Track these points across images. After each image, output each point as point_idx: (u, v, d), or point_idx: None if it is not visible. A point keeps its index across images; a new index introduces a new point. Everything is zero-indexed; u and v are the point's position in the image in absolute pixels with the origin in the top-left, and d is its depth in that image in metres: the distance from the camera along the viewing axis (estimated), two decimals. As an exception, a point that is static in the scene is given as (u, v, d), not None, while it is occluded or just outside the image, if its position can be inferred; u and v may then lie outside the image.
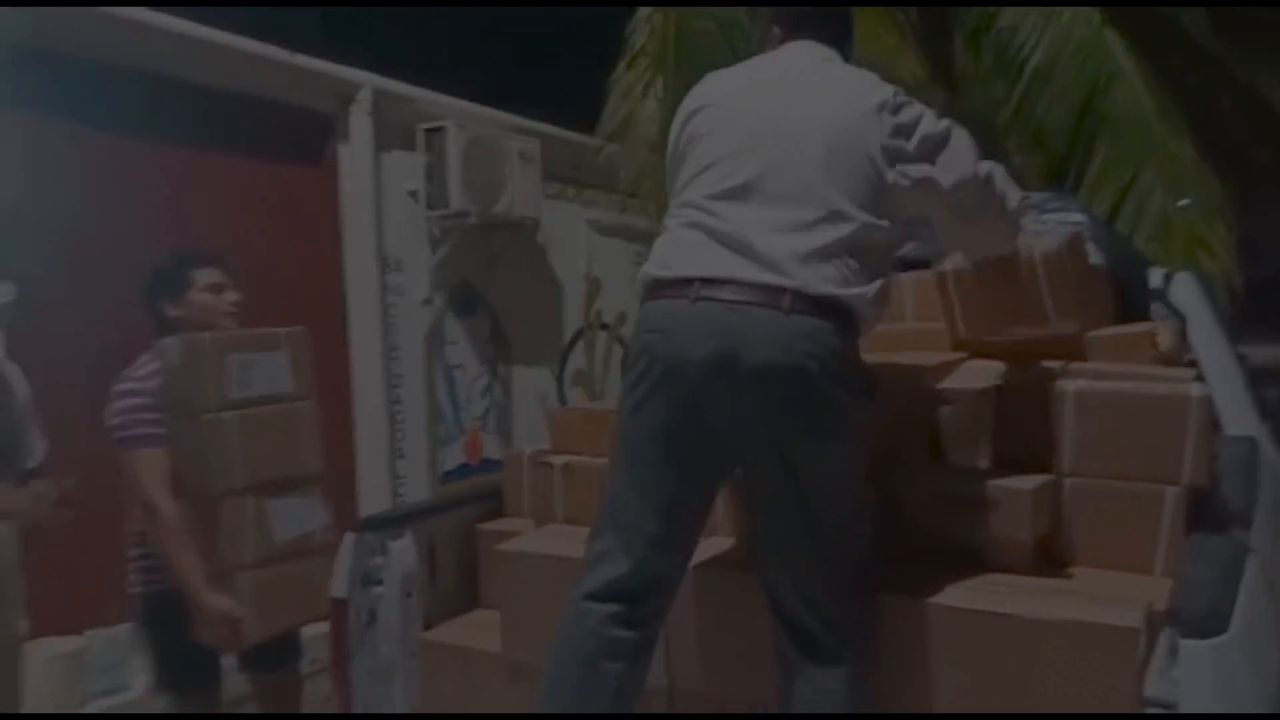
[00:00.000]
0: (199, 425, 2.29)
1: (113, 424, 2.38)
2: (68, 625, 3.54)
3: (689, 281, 1.65)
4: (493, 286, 5.45)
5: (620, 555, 1.69)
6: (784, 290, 1.59)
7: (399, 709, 2.27)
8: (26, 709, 2.17)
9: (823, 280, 1.61)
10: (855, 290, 1.64)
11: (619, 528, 1.71)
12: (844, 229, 1.64)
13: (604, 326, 6.41)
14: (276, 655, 2.52)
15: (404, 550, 2.30)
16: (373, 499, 4.66)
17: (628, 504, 1.70)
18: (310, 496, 2.48)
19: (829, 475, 1.66)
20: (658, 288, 1.70)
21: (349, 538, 2.26)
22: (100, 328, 3.31)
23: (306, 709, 2.73)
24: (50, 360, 3.47)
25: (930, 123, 1.72)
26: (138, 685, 3.54)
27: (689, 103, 1.84)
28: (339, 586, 2.23)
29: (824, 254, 1.62)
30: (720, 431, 1.64)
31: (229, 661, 2.53)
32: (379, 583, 2.26)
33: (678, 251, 1.70)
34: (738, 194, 1.68)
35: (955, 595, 1.70)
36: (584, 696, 1.66)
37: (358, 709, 2.25)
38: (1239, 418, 2.24)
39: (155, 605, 2.42)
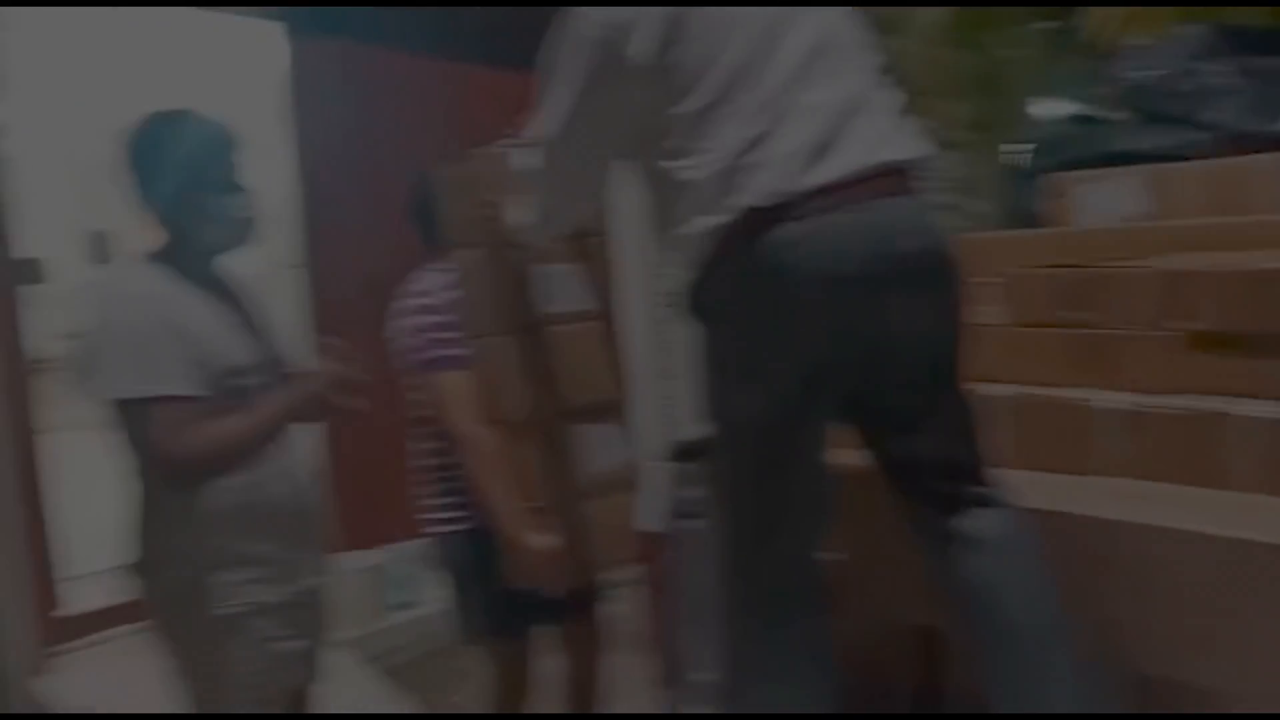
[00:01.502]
0: (508, 344, 2.07)
1: (405, 345, 2.16)
2: (368, 540, 3.66)
3: None
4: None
5: None
6: None
7: (718, 654, 2.08)
8: (331, 620, 2.07)
9: None
10: None
11: None
12: None
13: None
14: (577, 600, 2.31)
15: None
16: (641, 423, 4.55)
17: None
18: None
19: None
20: None
21: (664, 466, 2.05)
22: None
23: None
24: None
25: None
26: (431, 600, 3.62)
27: None
28: (655, 519, 2.04)
29: None
30: None
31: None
32: (697, 516, 2.05)
33: None
34: None
35: None
36: None
37: (678, 649, 2.08)
38: None
39: (460, 547, 2.22)
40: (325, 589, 1.94)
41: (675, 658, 2.09)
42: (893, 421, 1.66)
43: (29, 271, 3.31)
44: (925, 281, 1.56)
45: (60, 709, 2.77)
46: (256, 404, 1.73)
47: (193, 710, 1.78)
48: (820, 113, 1.52)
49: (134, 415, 1.63)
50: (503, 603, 2.18)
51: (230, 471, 1.70)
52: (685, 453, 2.12)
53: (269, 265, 4.11)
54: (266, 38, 3.60)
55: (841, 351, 1.54)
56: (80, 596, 3.17)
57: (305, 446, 1.98)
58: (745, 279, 1.52)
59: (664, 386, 4.72)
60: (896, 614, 1.96)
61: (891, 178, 1.53)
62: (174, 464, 1.64)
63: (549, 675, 2.38)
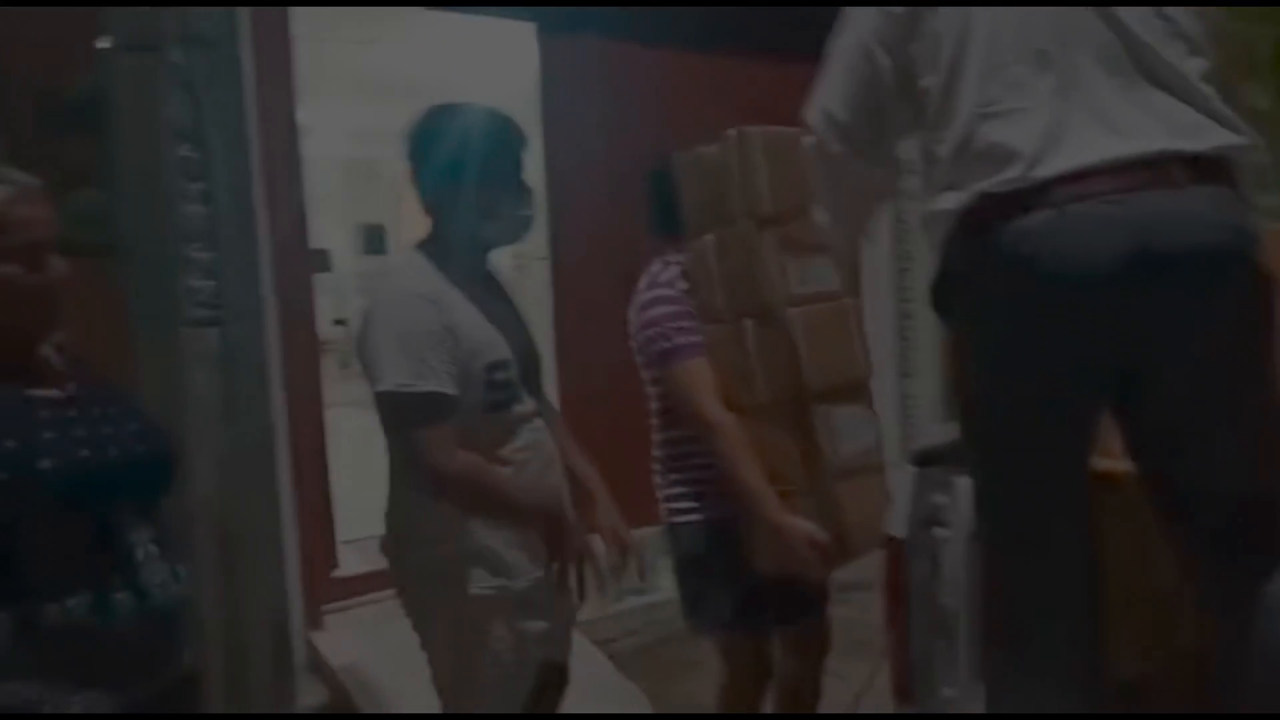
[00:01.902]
0: (745, 329, 2.06)
1: (645, 335, 2.14)
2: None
3: None
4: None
5: None
6: None
7: (960, 668, 1.98)
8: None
9: None
10: None
11: None
12: None
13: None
14: (809, 598, 2.25)
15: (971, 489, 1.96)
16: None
17: None
18: (865, 406, 2.19)
19: None
20: None
21: (909, 471, 1.97)
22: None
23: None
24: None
25: None
26: (665, 588, 3.68)
27: None
28: (898, 524, 1.96)
29: None
30: None
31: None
32: (943, 524, 1.96)
33: None
34: None
35: None
36: None
37: (914, 662, 2.00)
38: None
39: (698, 538, 2.17)
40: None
41: (913, 669, 2.01)
42: (1161, 441, 1.49)
43: (320, 261, 3.66)
44: (1195, 286, 1.36)
45: (330, 662, 3.05)
46: (523, 488, 1.77)
47: (444, 687, 1.88)
48: (1073, 95, 1.38)
49: (394, 407, 1.70)
50: (743, 596, 2.15)
51: (458, 505, 1.75)
52: (928, 457, 2.03)
53: (516, 257, 4.34)
54: (518, 37, 3.79)
55: (1088, 357, 1.41)
56: (355, 560, 3.46)
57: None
58: (981, 271, 1.43)
59: (905, 385, 4.58)
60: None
61: (1158, 169, 1.36)
62: (422, 468, 1.70)
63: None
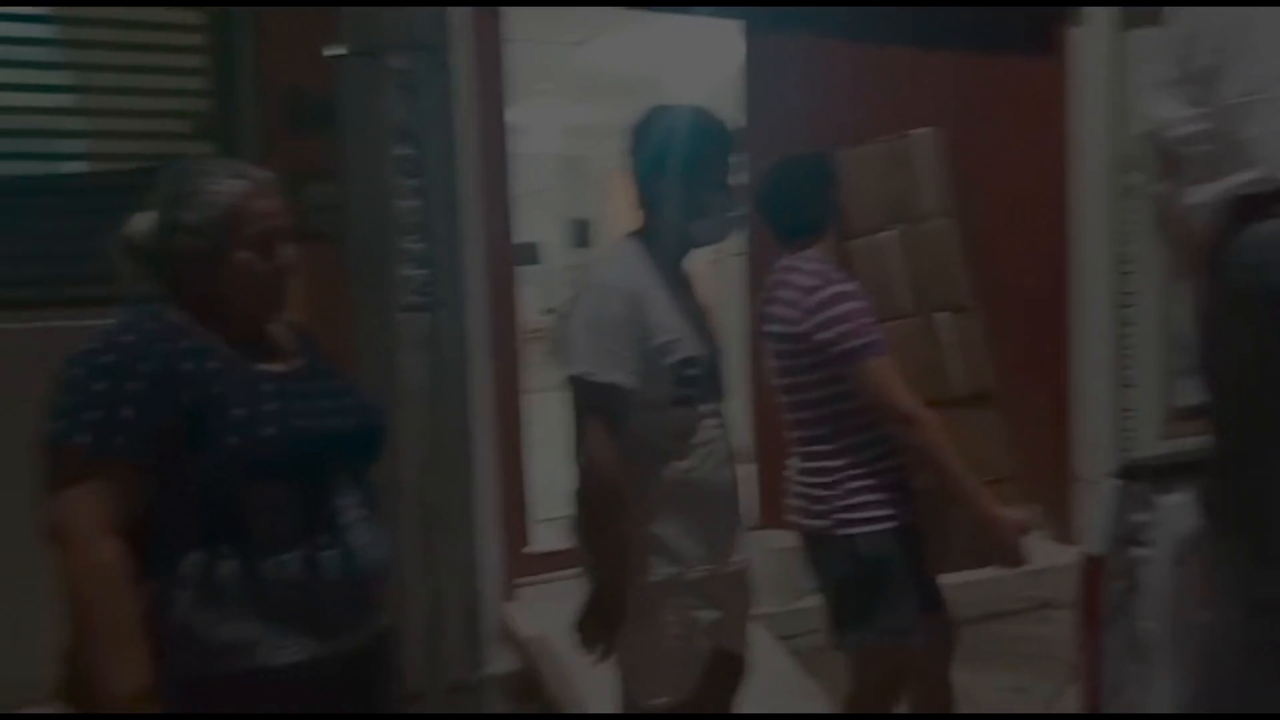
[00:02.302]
0: (943, 321, 2.09)
1: (831, 333, 2.04)
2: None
3: None
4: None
5: None
6: None
7: (1156, 695, 1.86)
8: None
9: None
10: None
11: None
12: None
13: None
14: (935, 597, 2.19)
15: (1179, 508, 1.84)
16: (1092, 433, 4.20)
17: None
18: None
19: None
20: None
21: (1110, 485, 1.87)
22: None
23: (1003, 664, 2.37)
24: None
25: None
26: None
27: None
28: (1096, 541, 1.87)
29: None
30: None
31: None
32: (1142, 544, 1.85)
33: None
34: None
35: None
36: None
37: (1106, 685, 1.89)
38: None
39: (888, 544, 2.09)
40: (748, 565, 2.03)
41: (1106, 692, 1.90)
42: None
43: (527, 253, 3.84)
44: None
45: (520, 633, 3.21)
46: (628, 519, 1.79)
47: (624, 666, 1.94)
48: None
49: (576, 392, 1.79)
50: (911, 599, 2.12)
51: (588, 496, 1.80)
52: (1134, 471, 1.91)
53: (714, 252, 4.37)
54: (724, 36, 3.82)
55: None
56: (548, 537, 3.60)
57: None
58: (1228, 274, 1.35)
59: (1124, 397, 4.29)
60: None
61: None
62: (582, 451, 1.77)
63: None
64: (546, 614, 3.29)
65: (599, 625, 1.83)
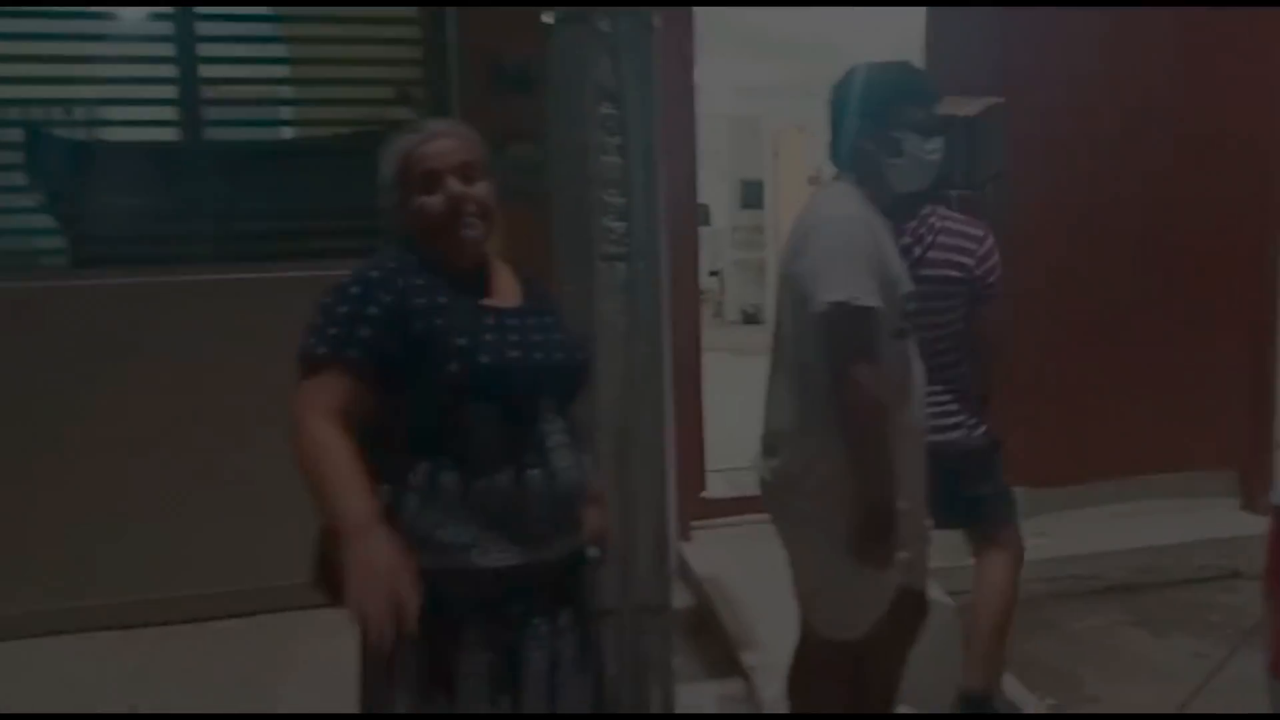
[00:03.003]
0: None
1: (994, 279, 2.40)
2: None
3: None
4: None
5: None
6: None
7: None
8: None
9: None
10: None
11: None
12: None
13: None
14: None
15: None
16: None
17: None
18: None
19: None
20: None
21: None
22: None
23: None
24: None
25: None
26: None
27: None
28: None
29: None
30: None
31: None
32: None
33: None
34: None
35: None
36: None
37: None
38: None
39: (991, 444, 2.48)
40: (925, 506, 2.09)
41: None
42: None
43: (701, 214, 3.97)
44: None
45: (695, 572, 3.37)
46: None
47: (806, 600, 2.05)
48: None
49: (847, 320, 1.82)
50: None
51: (858, 427, 1.86)
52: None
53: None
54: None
55: None
56: (721, 485, 3.83)
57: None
58: None
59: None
60: None
61: None
62: (848, 381, 1.82)
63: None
64: (719, 556, 3.48)
65: (877, 541, 1.87)
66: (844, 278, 1.82)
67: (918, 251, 2.33)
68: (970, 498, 2.45)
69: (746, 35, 6.12)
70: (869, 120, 1.95)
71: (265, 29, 3.42)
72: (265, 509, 2.79)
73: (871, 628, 1.99)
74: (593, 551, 1.72)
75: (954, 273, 2.36)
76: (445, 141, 1.64)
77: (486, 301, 1.63)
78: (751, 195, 9.79)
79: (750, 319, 9.72)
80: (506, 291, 1.69)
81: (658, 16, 2.19)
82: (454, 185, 1.60)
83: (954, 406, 2.40)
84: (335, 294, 1.56)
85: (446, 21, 3.25)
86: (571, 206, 2.17)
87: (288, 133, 3.69)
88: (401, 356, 1.53)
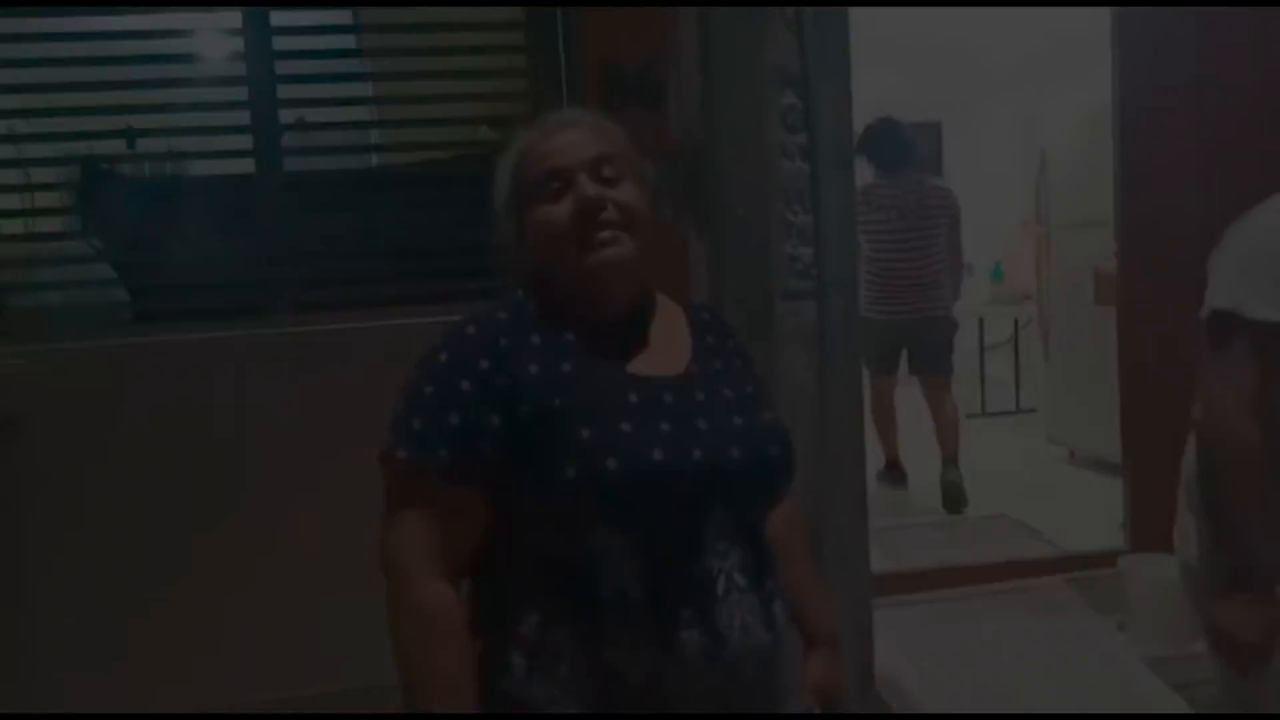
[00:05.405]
0: None
1: None
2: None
3: None
4: None
5: None
6: None
7: None
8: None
9: None
10: None
11: None
12: None
13: None
14: None
15: None
16: None
17: None
18: None
19: None
20: None
21: None
22: None
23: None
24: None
25: None
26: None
27: None
28: None
29: None
30: None
31: None
32: None
33: None
34: None
35: None
36: None
37: None
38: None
39: None
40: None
41: None
42: None
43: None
44: None
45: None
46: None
47: None
48: None
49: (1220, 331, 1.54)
50: None
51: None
52: None
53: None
54: None
55: None
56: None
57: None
58: None
59: None
60: None
61: None
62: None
63: None
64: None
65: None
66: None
67: None
68: None
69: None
70: None
71: (348, 40, 3.02)
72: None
73: None
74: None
75: None
76: (573, 133, 1.17)
77: (634, 368, 1.15)
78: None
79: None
80: (669, 349, 1.19)
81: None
82: (587, 186, 1.14)
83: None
84: (420, 367, 1.13)
85: (556, 25, 2.80)
86: (739, 229, 1.66)
87: (376, 159, 3.29)
88: (504, 453, 1.09)
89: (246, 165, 2.74)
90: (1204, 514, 1.61)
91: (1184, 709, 2.75)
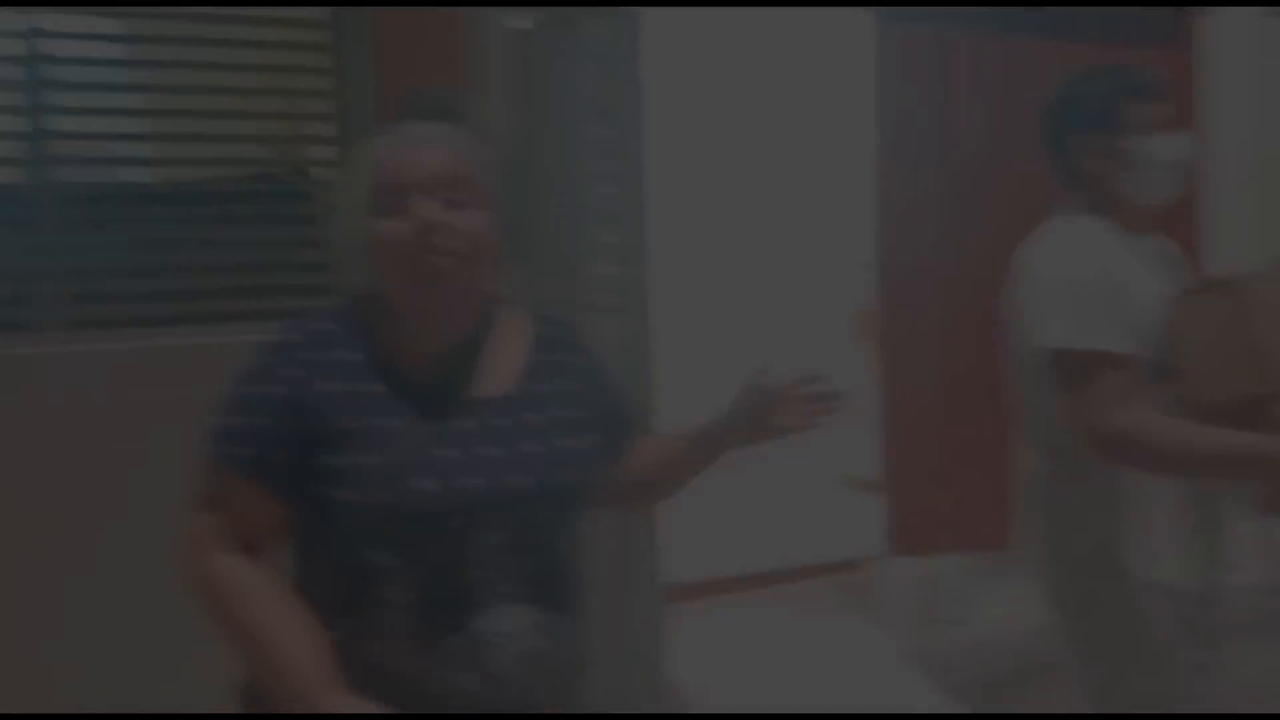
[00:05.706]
0: None
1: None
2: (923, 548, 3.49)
3: None
4: None
5: None
6: None
7: None
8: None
9: None
10: None
11: None
12: None
13: None
14: None
15: None
16: None
17: None
18: None
19: None
20: None
21: None
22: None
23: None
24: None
25: None
26: (980, 620, 3.41)
27: None
28: None
29: None
30: None
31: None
32: None
33: None
34: None
35: None
36: None
37: None
38: None
39: None
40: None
41: None
42: None
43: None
44: None
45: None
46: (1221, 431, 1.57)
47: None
48: None
49: (1068, 369, 1.58)
50: None
51: (1161, 470, 1.61)
52: None
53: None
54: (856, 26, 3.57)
55: None
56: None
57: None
58: None
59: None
60: None
61: None
62: (1097, 432, 1.56)
63: None
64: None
65: None
66: (1058, 320, 1.63)
67: None
68: None
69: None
70: (1083, 127, 1.75)
71: (116, 50, 2.86)
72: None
73: None
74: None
75: None
76: (428, 150, 1.16)
77: (448, 390, 1.18)
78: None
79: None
80: (498, 369, 1.23)
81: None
82: (427, 208, 1.14)
83: None
84: (240, 369, 1.17)
85: (357, 44, 2.77)
86: (548, 250, 1.75)
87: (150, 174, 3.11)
88: (300, 461, 1.12)
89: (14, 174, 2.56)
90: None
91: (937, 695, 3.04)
